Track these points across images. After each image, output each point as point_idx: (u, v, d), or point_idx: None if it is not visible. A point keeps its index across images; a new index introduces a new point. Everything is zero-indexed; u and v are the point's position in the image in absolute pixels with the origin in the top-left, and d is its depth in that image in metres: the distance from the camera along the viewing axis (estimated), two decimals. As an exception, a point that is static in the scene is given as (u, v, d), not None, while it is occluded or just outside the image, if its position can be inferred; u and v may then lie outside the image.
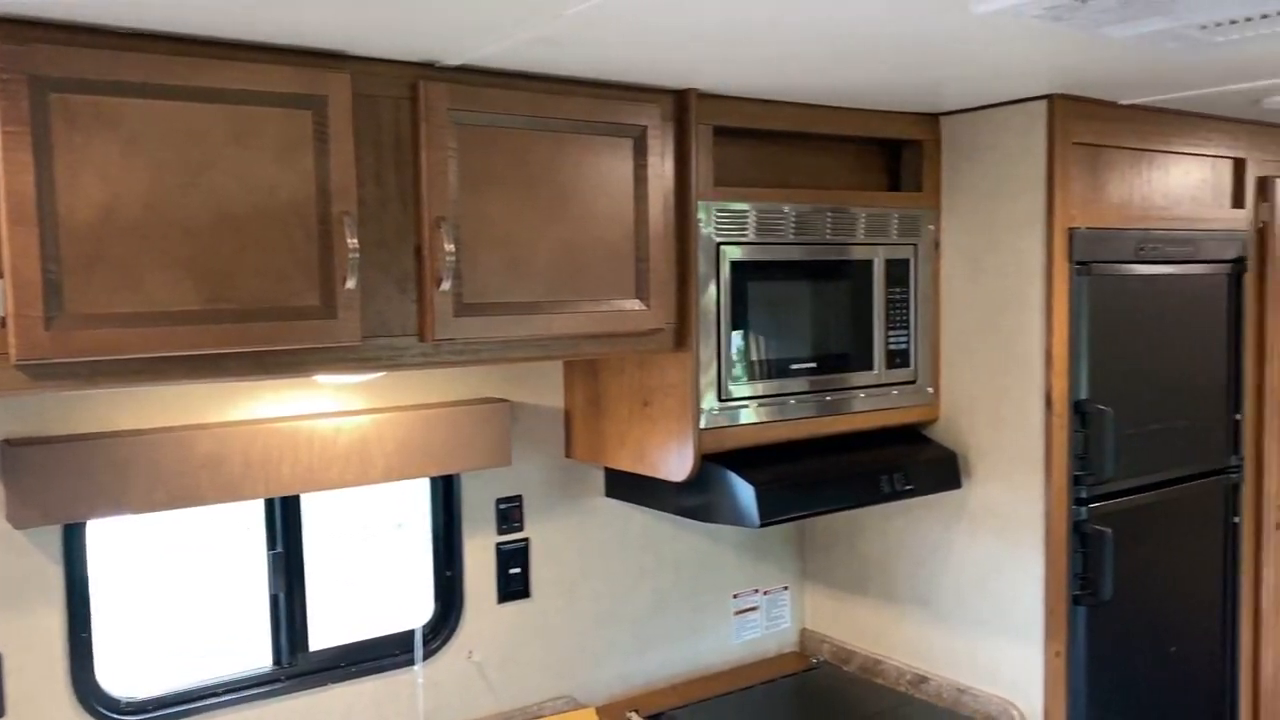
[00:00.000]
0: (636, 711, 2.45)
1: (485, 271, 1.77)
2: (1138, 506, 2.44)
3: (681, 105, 2.03)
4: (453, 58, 1.71)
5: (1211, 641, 2.69)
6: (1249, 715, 2.77)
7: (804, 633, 2.87)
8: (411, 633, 2.21)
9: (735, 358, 2.15)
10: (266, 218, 1.56)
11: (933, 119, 2.46)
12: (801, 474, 2.21)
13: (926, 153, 2.46)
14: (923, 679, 2.56)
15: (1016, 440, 2.34)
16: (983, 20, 1.53)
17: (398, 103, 1.71)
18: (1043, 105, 2.25)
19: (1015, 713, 2.36)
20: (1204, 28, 1.58)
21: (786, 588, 2.85)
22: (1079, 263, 2.29)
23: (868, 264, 2.36)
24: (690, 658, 2.66)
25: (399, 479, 2.10)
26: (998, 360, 2.37)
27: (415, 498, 2.30)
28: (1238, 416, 2.68)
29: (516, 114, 1.79)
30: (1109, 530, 2.31)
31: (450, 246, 1.70)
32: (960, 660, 2.50)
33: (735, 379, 2.16)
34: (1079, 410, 2.31)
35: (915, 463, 2.38)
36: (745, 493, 2.10)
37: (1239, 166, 2.66)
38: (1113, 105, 2.35)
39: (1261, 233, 2.70)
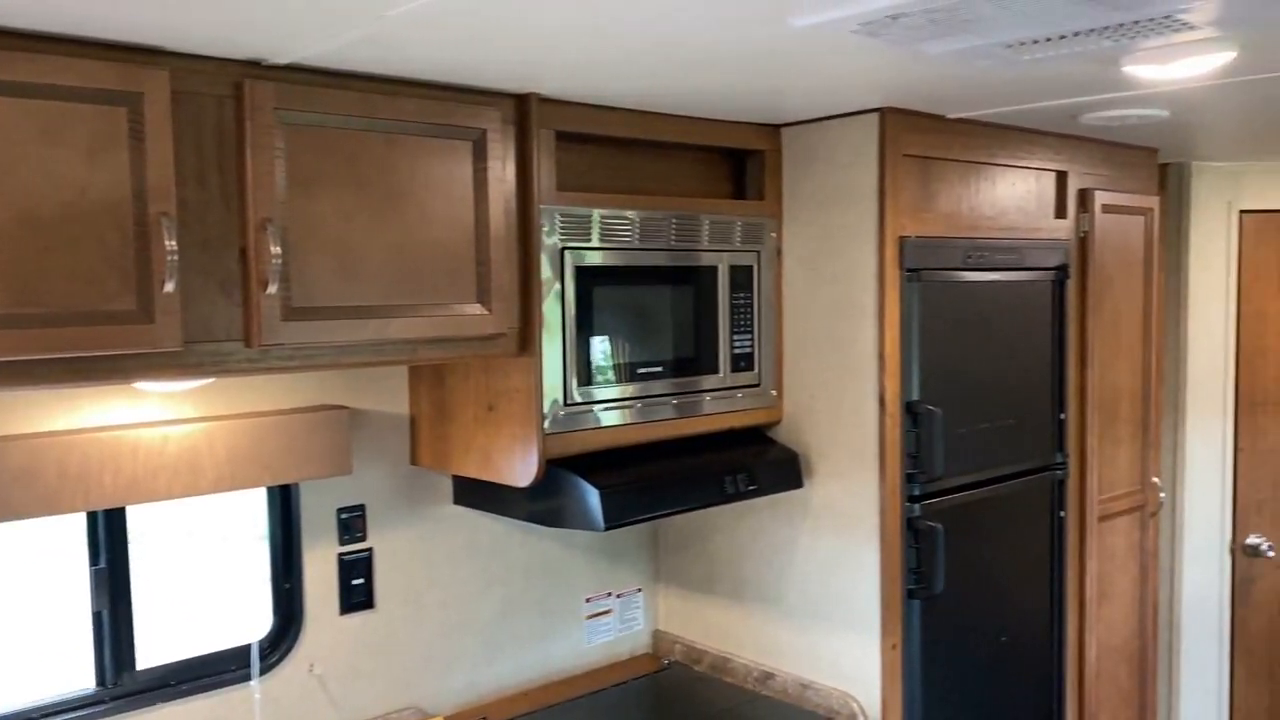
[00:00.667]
0: (485, 719, 2.44)
1: (315, 274, 1.74)
2: (969, 502, 2.56)
3: (523, 109, 2.04)
4: (279, 56, 1.67)
5: (1040, 630, 2.83)
6: (1074, 699, 2.93)
7: (657, 634, 2.90)
8: (248, 647, 2.15)
9: (581, 362, 2.16)
10: (76, 218, 1.50)
11: (774, 130, 2.52)
12: (646, 477, 2.24)
13: (768, 163, 2.52)
14: (769, 675, 2.62)
15: (853, 440, 2.42)
16: (803, 34, 1.58)
17: (221, 101, 1.66)
18: (874, 118, 2.34)
19: (855, 705, 2.44)
20: (1009, 46, 1.66)
21: (640, 590, 2.88)
22: (910, 270, 2.38)
23: (712, 270, 2.40)
24: (542, 663, 2.66)
25: (232, 489, 2.03)
26: (836, 363, 2.45)
27: (254, 508, 2.24)
28: (1062, 416, 2.84)
29: (348, 114, 1.76)
30: (940, 525, 2.41)
31: (277, 249, 1.66)
32: (804, 656, 2.56)
33: (581, 383, 2.17)
34: (911, 410, 2.41)
35: (759, 463, 2.44)
36: (590, 497, 2.11)
37: (1061, 179, 2.82)
38: (941, 119, 2.45)
39: (1083, 242, 2.86)
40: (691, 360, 2.37)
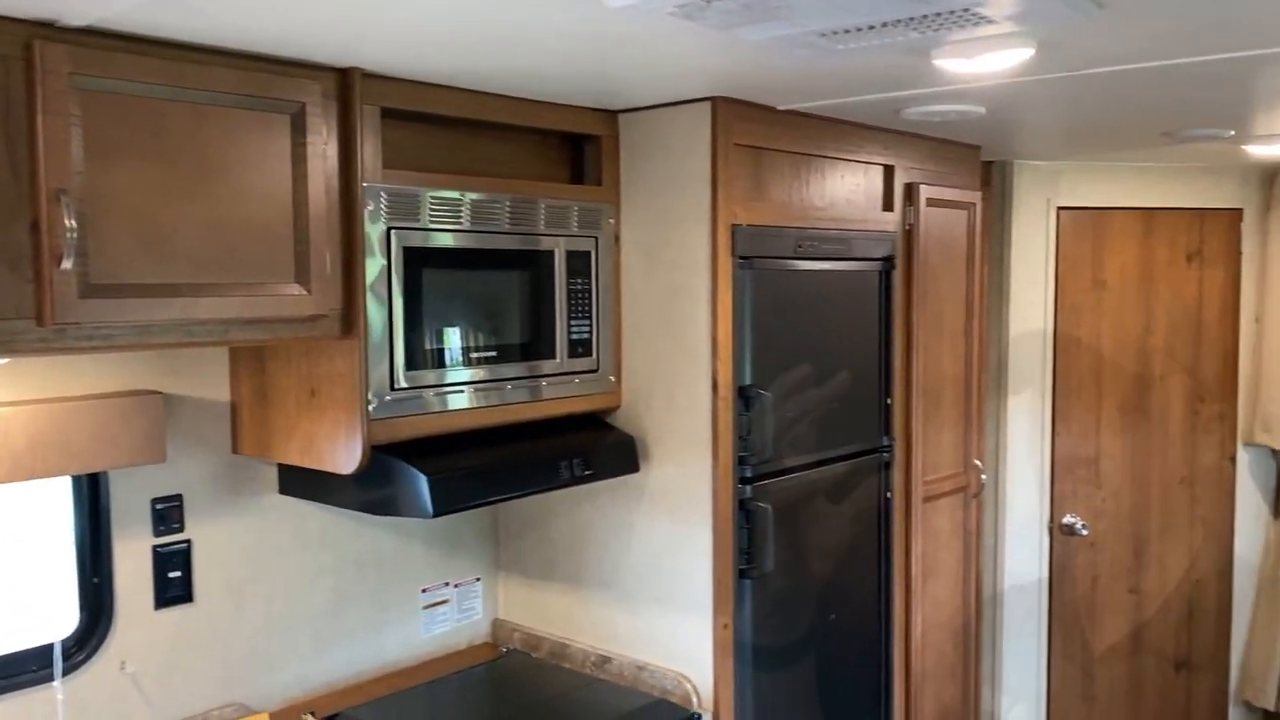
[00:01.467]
0: (313, 713, 2.37)
1: (116, 250, 1.65)
2: (798, 484, 2.63)
3: (345, 84, 1.98)
4: (75, 17, 1.58)
5: (868, 608, 2.93)
6: (901, 674, 3.05)
7: (496, 623, 2.88)
8: (50, 647, 2.03)
9: (410, 346, 2.12)
10: None
11: (611, 116, 2.53)
12: (478, 462, 2.22)
13: (606, 148, 2.53)
14: (606, 659, 2.64)
15: (688, 424, 2.45)
16: (621, 15, 1.59)
17: (9, 64, 1.56)
18: (706, 107, 2.37)
19: (688, 685, 2.47)
20: (824, 35, 1.71)
21: (479, 579, 2.85)
22: (742, 257, 2.43)
23: (549, 255, 2.40)
24: (375, 655, 2.60)
25: (32, 478, 1.92)
26: (671, 349, 2.48)
27: (59, 498, 2.12)
28: (889, 401, 2.94)
29: (153, 82, 1.68)
30: (769, 506, 2.47)
31: (72, 222, 1.58)
32: (640, 639, 2.59)
33: (410, 368, 2.13)
34: (742, 395, 2.46)
35: (595, 448, 2.45)
36: (418, 483, 2.08)
37: (889, 173, 2.92)
38: (772, 110, 2.51)
39: (909, 234, 2.97)
40: (528, 345, 2.36)
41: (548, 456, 2.34)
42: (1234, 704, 4.03)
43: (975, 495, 3.33)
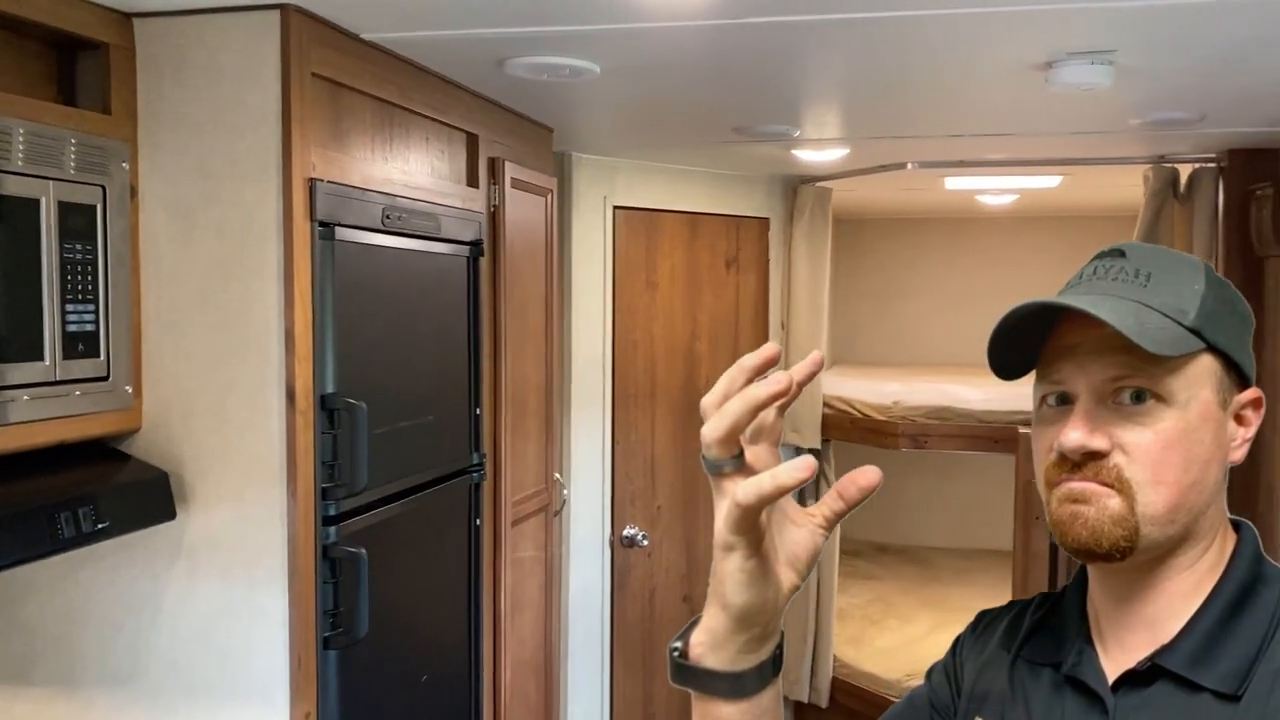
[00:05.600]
0: None
1: None
2: (386, 520, 2.08)
3: None
4: None
5: (458, 660, 2.45)
6: (493, 729, 2.61)
7: (-69, 758, 1.95)
8: None
9: None
10: None
11: (124, 19, 1.80)
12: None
13: (116, 63, 1.79)
14: (123, 787, 1.87)
15: (250, 447, 1.80)
16: None
17: None
18: (275, 16, 1.76)
19: (255, 804, 1.81)
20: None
21: (-100, 697, 1.90)
22: (322, 224, 1.84)
23: (31, 205, 1.60)
24: None
25: None
26: (222, 344, 1.81)
27: None
28: (478, 411, 2.50)
29: None
30: (363, 551, 1.90)
31: None
32: (177, 750, 1.86)
33: None
34: (326, 406, 1.86)
35: (110, 490, 1.70)
36: None
37: (473, 142, 2.48)
38: (354, 39, 1.95)
39: (494, 216, 2.56)
40: (-2, 340, 1.56)
41: (38, 507, 1.55)
42: (770, 698, 4.14)
43: (557, 513, 3.00)
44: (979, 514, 5.49)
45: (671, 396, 3.75)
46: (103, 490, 1.67)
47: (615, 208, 3.56)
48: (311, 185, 1.81)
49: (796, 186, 4.06)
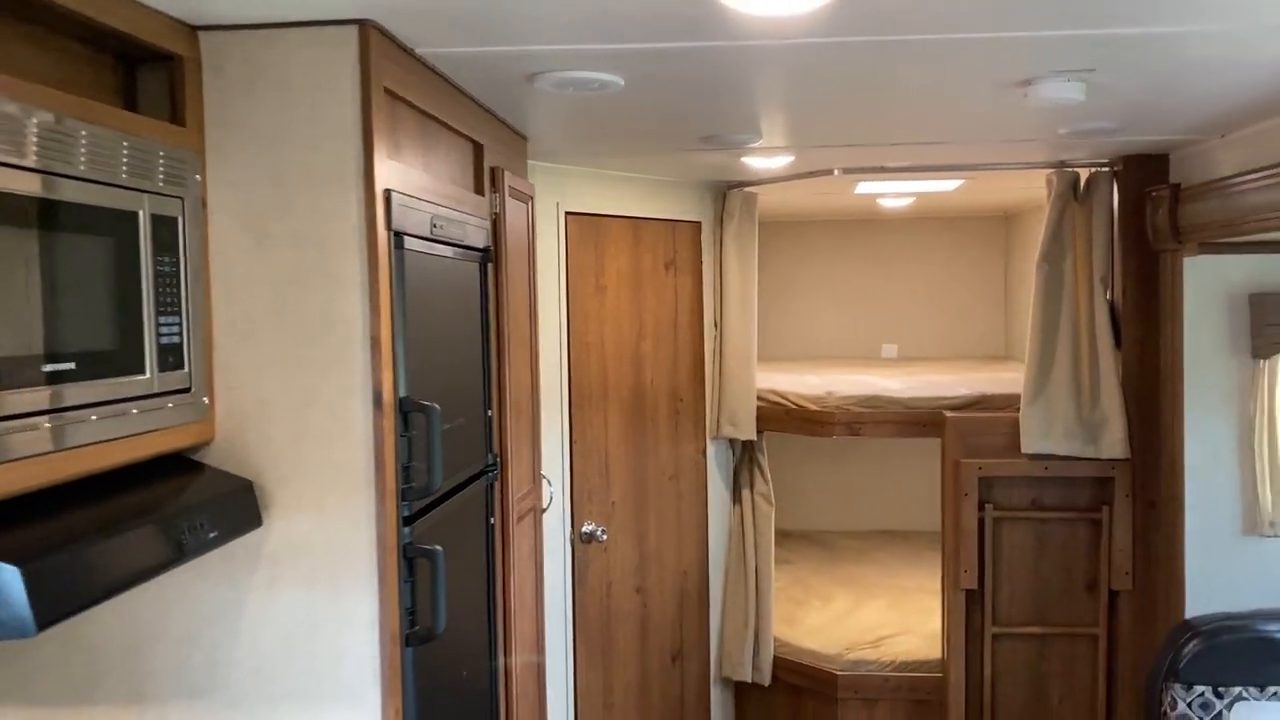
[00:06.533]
0: None
1: None
2: (441, 520, 2.14)
3: None
4: None
5: (484, 656, 2.51)
6: (509, 723, 2.68)
7: (-13, 789, 1.88)
8: None
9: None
10: None
11: (190, 32, 1.80)
12: (74, 540, 1.38)
13: (185, 76, 1.79)
14: (204, 800, 1.86)
15: (333, 454, 1.84)
16: None
17: None
18: (353, 32, 1.80)
19: (347, 803, 1.85)
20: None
21: (-47, 729, 1.83)
22: (395, 233, 1.90)
23: (131, 218, 1.60)
24: None
25: None
26: (301, 353, 1.84)
27: None
28: (490, 413, 2.57)
29: None
30: (439, 548, 1.96)
31: None
32: (260, 758, 1.87)
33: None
34: (400, 410, 1.92)
35: (212, 500, 1.71)
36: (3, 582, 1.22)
37: (479, 152, 2.55)
38: (409, 53, 2.01)
39: (495, 223, 2.63)
40: (113, 355, 1.55)
41: (162, 521, 1.56)
42: (715, 683, 4.32)
43: (544, 511, 3.09)
44: (871, 498, 5.85)
45: (622, 396, 3.88)
46: (207, 501, 1.68)
47: (567, 213, 3.66)
48: (388, 196, 1.86)
49: (725, 192, 4.25)
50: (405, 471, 1.91)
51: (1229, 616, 3.38)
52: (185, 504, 1.63)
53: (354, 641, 1.84)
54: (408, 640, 1.92)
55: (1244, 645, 3.32)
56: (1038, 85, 2.29)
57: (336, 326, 1.82)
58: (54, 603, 1.26)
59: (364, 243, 1.81)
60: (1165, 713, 3.38)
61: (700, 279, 4.20)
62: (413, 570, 1.93)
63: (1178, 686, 3.36)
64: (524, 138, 3.02)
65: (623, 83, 2.28)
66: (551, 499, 3.16)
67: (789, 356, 5.53)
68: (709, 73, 2.23)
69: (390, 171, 1.89)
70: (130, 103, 1.79)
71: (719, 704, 4.33)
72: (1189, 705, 3.35)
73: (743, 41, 1.93)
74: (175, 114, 1.78)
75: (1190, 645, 3.36)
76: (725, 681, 4.35)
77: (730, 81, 2.34)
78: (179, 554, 1.56)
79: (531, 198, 2.98)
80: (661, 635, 4.07)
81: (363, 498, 1.83)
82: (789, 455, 5.23)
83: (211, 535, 1.64)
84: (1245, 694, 3.24)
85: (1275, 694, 3.25)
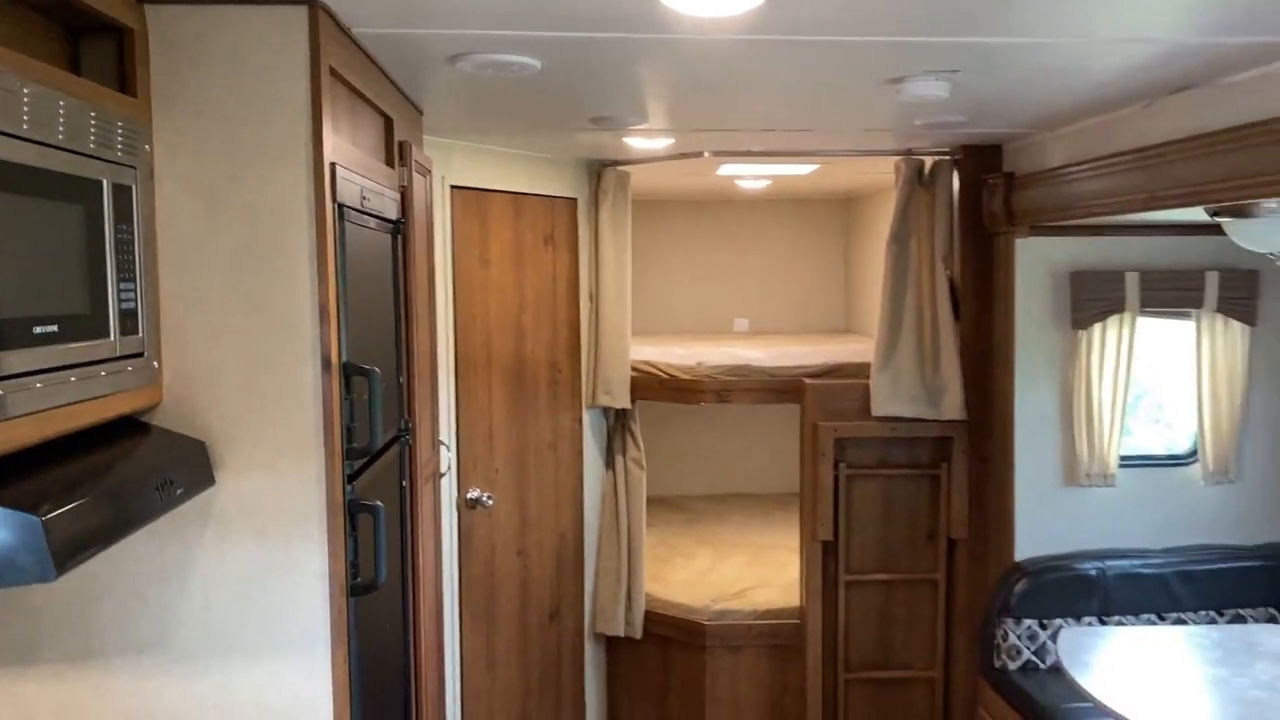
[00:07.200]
0: None
1: None
2: (372, 480, 2.25)
3: None
4: None
5: (398, 611, 2.63)
6: (429, 693, 2.80)
7: (-75, 753, 1.89)
8: None
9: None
10: None
11: (136, 3, 1.84)
12: (78, 491, 1.45)
13: (133, 47, 1.83)
14: (154, 750, 1.93)
15: (285, 416, 1.93)
16: None
17: None
18: (303, 12, 1.89)
19: (299, 744, 1.96)
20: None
21: (-109, 694, 1.84)
22: (339, 205, 1.99)
23: (97, 186, 1.65)
24: None
25: None
26: (253, 321, 1.91)
27: None
28: (403, 379, 2.67)
29: None
30: (381, 504, 2.08)
31: None
32: (209, 708, 1.95)
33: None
34: (344, 374, 2.02)
35: (173, 460, 1.77)
36: (23, 529, 1.28)
37: (389, 126, 2.64)
38: (346, 33, 2.10)
39: (403, 195, 2.72)
40: (87, 319, 1.60)
41: (141, 476, 1.63)
42: (589, 639, 4.54)
43: (442, 476, 3.20)
44: (722, 464, 6.18)
45: (505, 366, 4.01)
46: (173, 460, 1.75)
47: (452, 187, 3.76)
48: (334, 170, 1.95)
49: (600, 170, 4.42)
50: (348, 432, 2.02)
51: (1052, 558, 3.84)
52: (156, 462, 1.69)
53: (306, 593, 1.94)
54: (352, 591, 2.03)
55: (1065, 583, 3.79)
56: (910, 82, 2.57)
57: (288, 295, 1.91)
58: (70, 549, 1.34)
59: (313, 215, 1.91)
60: (999, 645, 3.81)
61: (576, 254, 4.37)
62: (354, 525, 2.04)
63: (1009, 621, 3.80)
64: (420, 112, 3.11)
65: (540, 66, 2.42)
66: (449, 464, 3.28)
67: (648, 330, 5.77)
68: (624, 62, 2.40)
69: (334, 146, 1.98)
70: (75, 73, 1.81)
71: (592, 658, 4.55)
72: (1019, 637, 3.80)
73: (670, 36, 2.11)
74: (124, 85, 1.82)
75: (1020, 585, 3.81)
76: (598, 637, 4.56)
77: (641, 70, 2.52)
78: (160, 507, 1.63)
79: (430, 171, 3.08)
80: (540, 595, 4.25)
81: (314, 457, 1.93)
82: (646, 425, 5.48)
83: (179, 492, 1.72)
84: (1065, 624, 3.70)
85: (1089, 622, 3.72)
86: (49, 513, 1.31)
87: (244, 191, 1.89)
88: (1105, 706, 2.71)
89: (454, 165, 3.75)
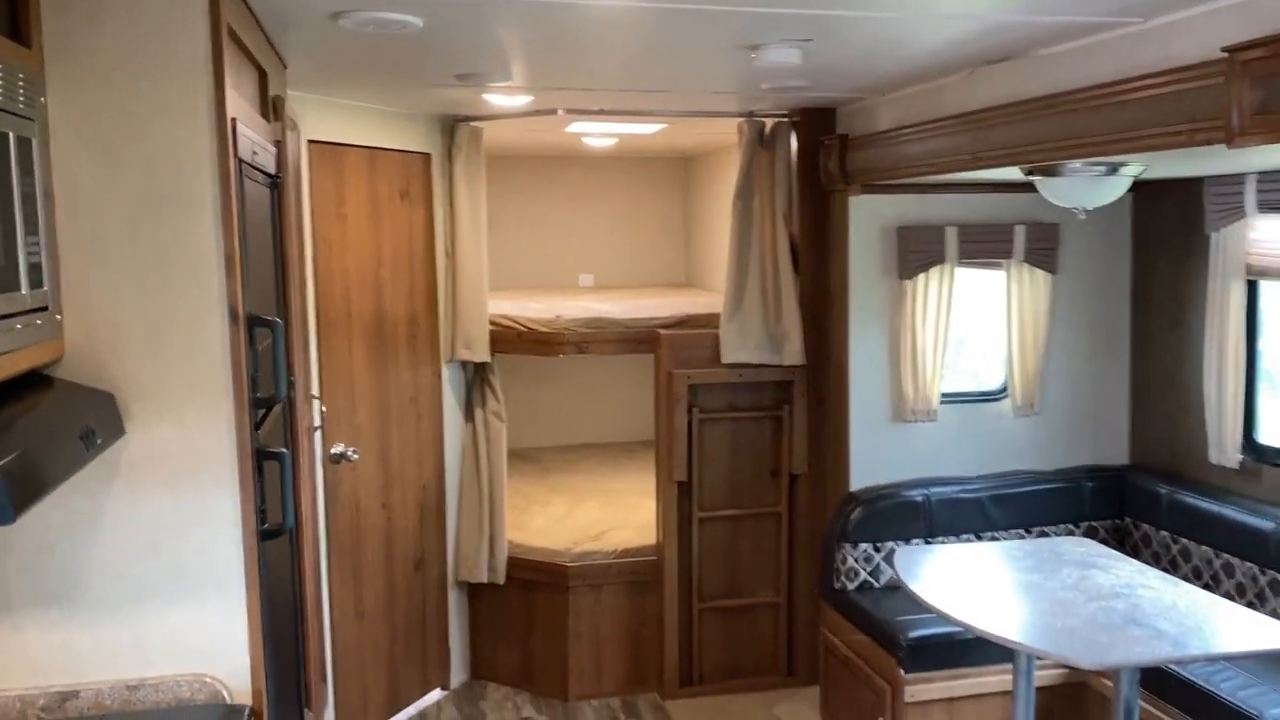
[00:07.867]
0: None
1: None
2: (270, 427, 2.31)
3: None
4: None
5: (288, 557, 2.69)
6: (303, 630, 2.87)
7: None
8: None
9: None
10: None
11: (27, -46, 1.83)
12: (24, 442, 1.48)
13: (25, -2, 1.82)
14: (67, 696, 1.96)
15: (193, 367, 1.98)
16: None
17: None
18: (199, -34, 1.91)
19: (215, 683, 2.02)
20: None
21: None
22: (239, 160, 2.03)
23: (3, 137, 1.65)
24: None
25: None
26: (157, 274, 1.95)
27: None
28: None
29: None
30: (286, 451, 2.15)
31: None
32: (124, 655, 2.00)
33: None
34: (248, 325, 2.07)
35: (87, 411, 1.80)
36: (-19, 475, 1.33)
37: (263, 79, 2.65)
38: (236, -13, 2.12)
39: (278, 149, 2.74)
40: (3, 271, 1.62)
41: (61, 427, 1.66)
42: (452, 587, 4.65)
43: (317, 429, 3.24)
44: (569, 416, 6.37)
45: (365, 322, 4.04)
46: (88, 410, 1.78)
47: (309, 141, 3.74)
48: (234, 125, 1.99)
49: (453, 126, 4.46)
50: (252, 382, 2.08)
51: (883, 488, 4.22)
52: (74, 413, 1.72)
53: (220, 539, 2.01)
54: (263, 535, 2.10)
55: (894, 509, 4.17)
56: (765, 49, 2.78)
57: (193, 248, 1.95)
58: (24, 494, 1.38)
59: (217, 169, 1.95)
60: (838, 568, 4.16)
61: (431, 209, 4.41)
62: (260, 471, 2.11)
63: (847, 546, 4.15)
64: (285, 65, 3.10)
65: (421, 25, 2.49)
66: (323, 418, 3.31)
67: (495, 286, 5.85)
68: (504, 21, 2.50)
69: (233, 102, 2.02)
70: (-39, 22, 1.79)
71: (455, 605, 4.66)
72: (855, 560, 4.15)
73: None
74: (19, 36, 1.80)
75: (855, 513, 4.16)
76: (461, 585, 4.68)
77: (518, 30, 2.62)
78: (85, 457, 1.67)
79: (298, 126, 3.08)
80: (405, 546, 4.33)
81: (223, 406, 1.99)
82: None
83: (99, 442, 1.75)
84: (896, 546, 4.07)
85: (917, 543, 4.12)
86: (5, 459, 1.35)
87: (145, 146, 1.91)
88: (940, 611, 3.05)
89: (309, 119, 3.73)
